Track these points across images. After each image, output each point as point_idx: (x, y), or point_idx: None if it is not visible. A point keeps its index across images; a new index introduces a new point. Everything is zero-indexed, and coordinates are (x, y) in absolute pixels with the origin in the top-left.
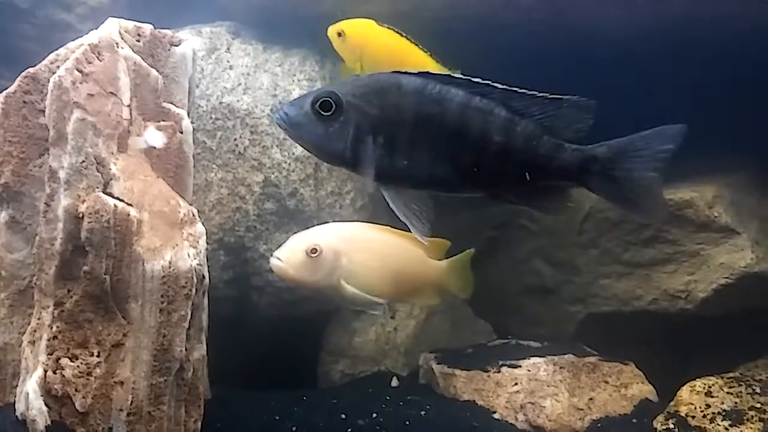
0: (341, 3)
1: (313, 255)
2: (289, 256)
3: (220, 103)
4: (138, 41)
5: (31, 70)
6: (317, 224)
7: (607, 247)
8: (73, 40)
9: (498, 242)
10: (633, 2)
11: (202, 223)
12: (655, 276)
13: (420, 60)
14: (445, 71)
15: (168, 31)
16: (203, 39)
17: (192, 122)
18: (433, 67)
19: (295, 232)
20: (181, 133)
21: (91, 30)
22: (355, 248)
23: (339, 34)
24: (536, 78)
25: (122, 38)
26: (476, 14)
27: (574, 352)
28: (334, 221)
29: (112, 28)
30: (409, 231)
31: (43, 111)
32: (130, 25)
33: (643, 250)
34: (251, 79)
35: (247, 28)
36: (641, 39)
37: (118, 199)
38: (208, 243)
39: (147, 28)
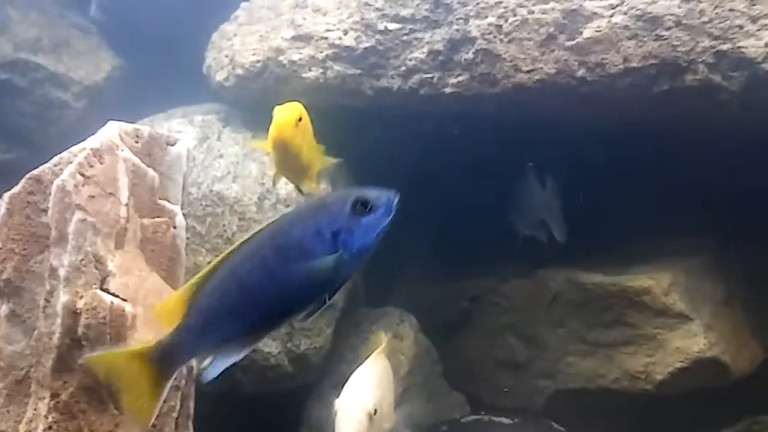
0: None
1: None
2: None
3: (211, 191)
4: (137, 142)
5: (35, 172)
6: None
7: (573, 326)
8: (68, 117)
9: (472, 315)
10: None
11: None
12: (617, 356)
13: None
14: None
15: (165, 132)
16: (195, 128)
17: (183, 208)
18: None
19: None
20: (175, 228)
21: (84, 104)
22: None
23: (300, 119)
24: None
25: (122, 140)
26: None
27: (542, 430)
28: None
29: (112, 131)
30: None
31: (45, 210)
32: (130, 127)
33: (606, 332)
34: (240, 167)
35: (238, 112)
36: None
37: (114, 295)
38: None
39: (145, 130)
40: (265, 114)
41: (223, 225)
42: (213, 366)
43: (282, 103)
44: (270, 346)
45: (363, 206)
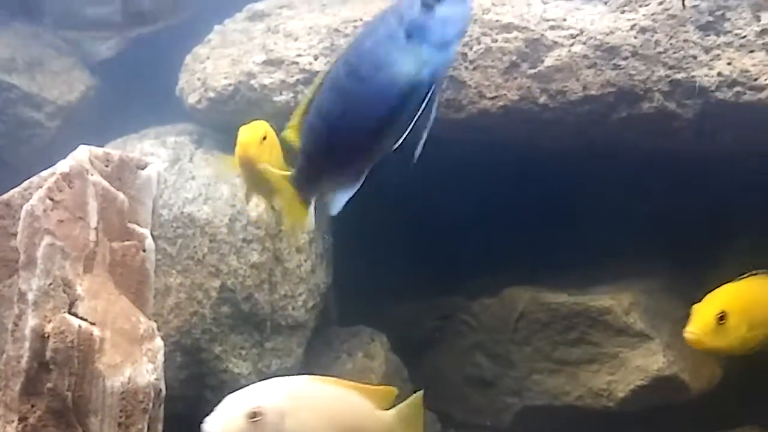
0: None
1: (255, 420)
2: (226, 424)
3: (182, 212)
4: (107, 166)
5: (4, 196)
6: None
7: (539, 345)
8: (41, 136)
9: (442, 333)
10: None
11: (160, 328)
12: (582, 374)
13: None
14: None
15: (135, 155)
16: (167, 149)
17: (154, 230)
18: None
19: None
20: (144, 251)
21: (58, 124)
22: (301, 406)
23: (265, 137)
24: None
25: (92, 164)
26: None
27: None
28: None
29: (82, 155)
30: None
31: (14, 235)
32: (100, 152)
33: (570, 350)
34: (212, 189)
35: (210, 133)
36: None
37: (82, 318)
38: (165, 345)
39: (116, 153)
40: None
41: (194, 246)
42: (336, 200)
43: (247, 123)
44: (240, 366)
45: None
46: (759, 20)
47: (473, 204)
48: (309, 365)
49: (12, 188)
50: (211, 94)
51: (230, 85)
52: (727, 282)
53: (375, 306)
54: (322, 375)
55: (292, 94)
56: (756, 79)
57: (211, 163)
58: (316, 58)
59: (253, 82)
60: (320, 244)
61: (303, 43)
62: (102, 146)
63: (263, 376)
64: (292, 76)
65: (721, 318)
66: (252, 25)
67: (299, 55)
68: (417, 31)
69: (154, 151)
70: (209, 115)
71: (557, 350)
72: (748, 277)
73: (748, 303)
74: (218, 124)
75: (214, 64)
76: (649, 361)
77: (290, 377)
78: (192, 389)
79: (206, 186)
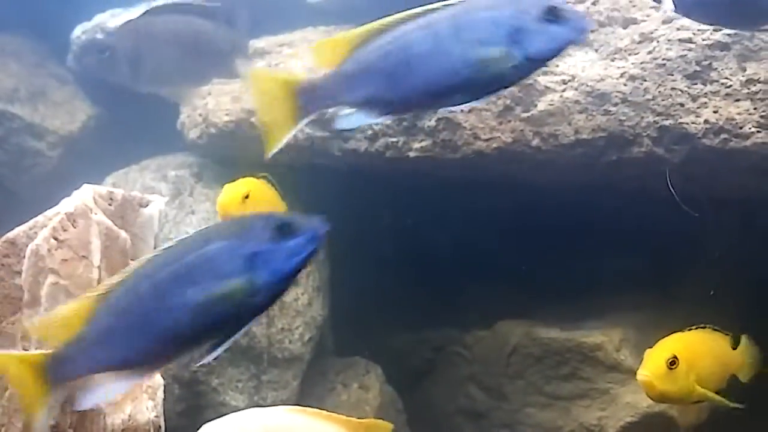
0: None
1: None
2: None
3: None
4: (110, 205)
5: (10, 235)
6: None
7: (531, 379)
8: (43, 166)
9: (436, 364)
10: None
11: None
12: (574, 409)
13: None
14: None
15: (137, 194)
16: (168, 184)
17: None
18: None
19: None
20: None
21: (59, 154)
22: None
23: (247, 196)
24: None
25: (96, 203)
26: None
27: None
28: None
29: (86, 194)
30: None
31: (19, 273)
32: (104, 191)
33: (562, 384)
34: (211, 223)
35: (210, 165)
36: None
37: None
38: (163, 377)
39: (119, 193)
40: (237, 170)
41: None
42: (349, 119)
43: (234, 180)
44: (237, 399)
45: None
46: (744, 71)
47: (467, 237)
48: (304, 396)
49: (14, 217)
50: (213, 130)
51: (231, 121)
52: (677, 331)
53: (370, 336)
54: (317, 406)
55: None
56: (741, 128)
57: (212, 198)
58: None
59: (253, 119)
60: (317, 277)
61: None
62: (104, 176)
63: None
64: None
65: (672, 363)
66: (252, 62)
67: None
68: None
69: (155, 186)
70: (210, 149)
71: (550, 384)
72: (695, 329)
73: (696, 354)
74: (219, 157)
75: (215, 100)
76: (638, 398)
77: (267, 408)
78: (189, 421)
79: (206, 220)
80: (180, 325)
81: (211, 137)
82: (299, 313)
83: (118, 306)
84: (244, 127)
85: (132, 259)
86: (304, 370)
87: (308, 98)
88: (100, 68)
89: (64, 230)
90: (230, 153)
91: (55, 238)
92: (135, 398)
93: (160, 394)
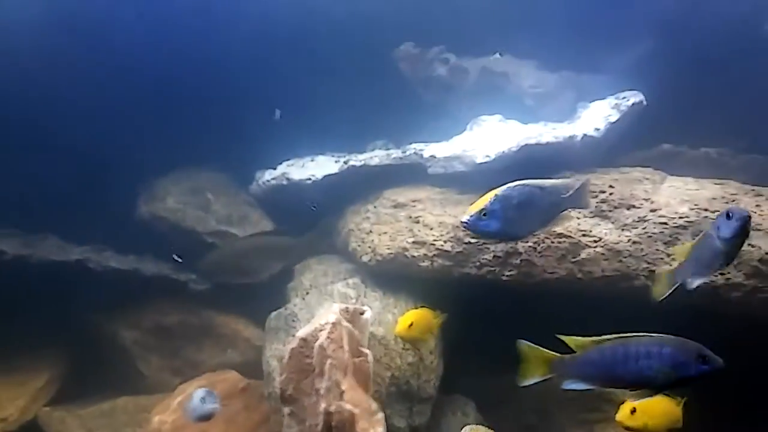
0: (432, 276)
1: None
2: None
3: (372, 334)
4: (347, 314)
5: (302, 335)
6: None
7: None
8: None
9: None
10: None
11: None
12: None
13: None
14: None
15: (359, 306)
16: (351, 289)
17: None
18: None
19: None
20: (368, 363)
21: None
22: None
23: (411, 324)
24: None
25: (342, 315)
26: None
27: None
28: None
29: (336, 310)
30: None
31: (310, 356)
32: (344, 306)
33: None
34: (381, 316)
35: (373, 279)
36: None
37: (347, 402)
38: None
39: (352, 307)
40: (396, 284)
41: (375, 352)
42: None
43: (415, 308)
44: (400, 421)
45: (703, 358)
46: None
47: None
48: (433, 419)
49: None
50: (379, 258)
51: (391, 254)
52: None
53: (461, 380)
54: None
55: (430, 262)
56: None
57: (379, 299)
58: (445, 242)
59: (407, 253)
60: (440, 347)
61: (437, 232)
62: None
63: (412, 428)
64: (430, 252)
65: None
66: (396, 211)
67: (435, 240)
68: (684, 369)
69: (346, 291)
70: (377, 269)
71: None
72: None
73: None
74: (382, 275)
75: (378, 238)
76: None
77: None
78: None
79: (378, 314)
80: (629, 376)
81: (378, 263)
82: (432, 370)
83: (604, 350)
84: (400, 257)
85: (360, 346)
86: (433, 404)
87: (556, 367)
88: None
89: (332, 332)
90: (391, 273)
91: (330, 338)
92: (374, 427)
93: (384, 425)
